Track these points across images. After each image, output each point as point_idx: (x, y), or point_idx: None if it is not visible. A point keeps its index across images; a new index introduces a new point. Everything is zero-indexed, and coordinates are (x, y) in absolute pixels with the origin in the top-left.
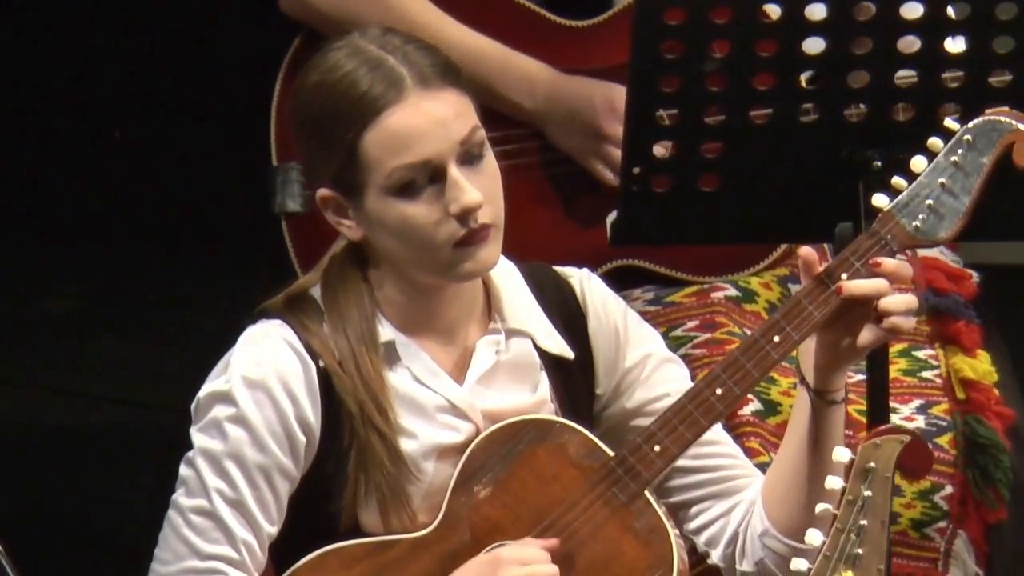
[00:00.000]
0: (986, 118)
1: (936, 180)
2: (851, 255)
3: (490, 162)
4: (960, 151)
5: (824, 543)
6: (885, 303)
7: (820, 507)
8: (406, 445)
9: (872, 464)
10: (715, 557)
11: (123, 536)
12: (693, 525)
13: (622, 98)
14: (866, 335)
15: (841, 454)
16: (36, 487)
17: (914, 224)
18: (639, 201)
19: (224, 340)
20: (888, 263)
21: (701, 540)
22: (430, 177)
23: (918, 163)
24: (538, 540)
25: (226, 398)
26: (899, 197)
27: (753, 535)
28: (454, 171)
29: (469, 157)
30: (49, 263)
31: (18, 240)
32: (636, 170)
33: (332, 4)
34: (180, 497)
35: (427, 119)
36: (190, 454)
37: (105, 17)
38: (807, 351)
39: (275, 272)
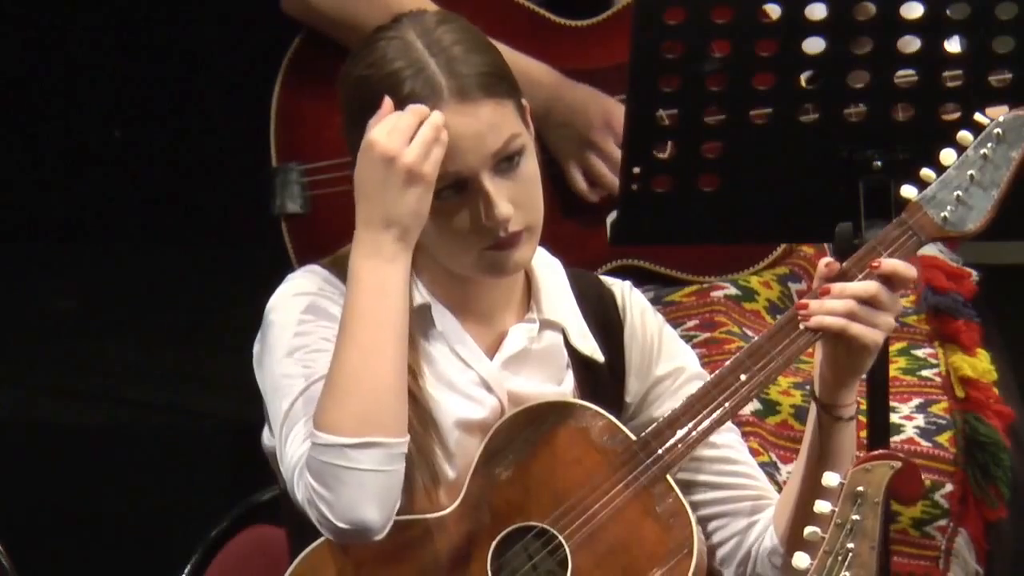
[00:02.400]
0: (1017, 113)
1: (965, 172)
2: (878, 244)
3: (527, 166)
4: (990, 144)
5: (811, 566)
6: (813, 303)
7: (808, 530)
8: (434, 414)
9: (862, 488)
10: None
11: (123, 536)
12: (708, 543)
13: (620, 115)
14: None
15: (830, 478)
16: (36, 487)
17: (942, 215)
18: (639, 201)
19: (224, 340)
20: (887, 264)
21: (716, 558)
22: (462, 188)
23: (947, 155)
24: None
25: (276, 322)
26: (927, 188)
27: (763, 553)
28: (486, 183)
29: (504, 165)
30: (49, 263)
31: (18, 240)
32: (636, 170)
33: (333, 5)
34: (276, 421)
35: (459, 134)
36: (264, 387)
37: (105, 17)
38: (818, 364)
39: (275, 273)
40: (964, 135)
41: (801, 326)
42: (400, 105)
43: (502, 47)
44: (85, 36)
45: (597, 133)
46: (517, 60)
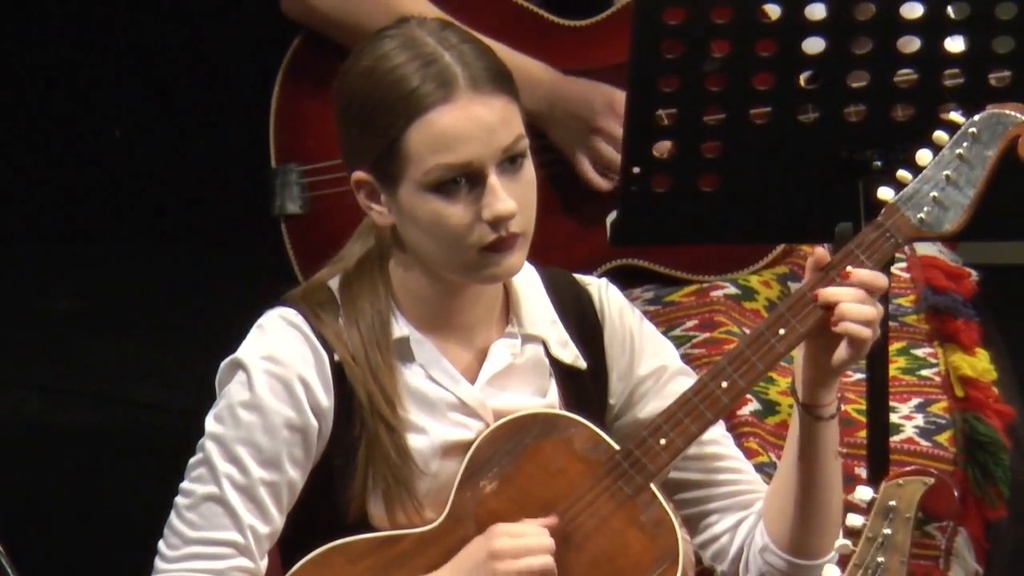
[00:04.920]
0: (991, 111)
1: (941, 173)
2: (856, 247)
3: (528, 171)
4: (965, 144)
5: None
6: (842, 307)
7: (839, 542)
8: (415, 441)
9: (894, 503)
10: (721, 572)
11: (123, 536)
12: (700, 539)
13: (622, 100)
14: (840, 352)
15: (863, 492)
16: (36, 487)
17: (919, 216)
18: (639, 201)
19: (224, 340)
20: (857, 273)
21: (707, 554)
22: (468, 179)
23: (923, 156)
24: (535, 520)
25: (239, 385)
26: (904, 190)
27: (754, 550)
28: (492, 177)
29: (509, 165)
30: (49, 263)
31: (18, 240)
32: (636, 170)
33: (333, 5)
34: (189, 483)
35: (474, 122)
36: (201, 440)
37: (105, 17)
38: (799, 364)
39: (274, 273)
40: (939, 135)
41: (798, 320)
42: (410, 97)
43: (501, 47)
44: (85, 36)
45: (602, 119)
46: (516, 60)
